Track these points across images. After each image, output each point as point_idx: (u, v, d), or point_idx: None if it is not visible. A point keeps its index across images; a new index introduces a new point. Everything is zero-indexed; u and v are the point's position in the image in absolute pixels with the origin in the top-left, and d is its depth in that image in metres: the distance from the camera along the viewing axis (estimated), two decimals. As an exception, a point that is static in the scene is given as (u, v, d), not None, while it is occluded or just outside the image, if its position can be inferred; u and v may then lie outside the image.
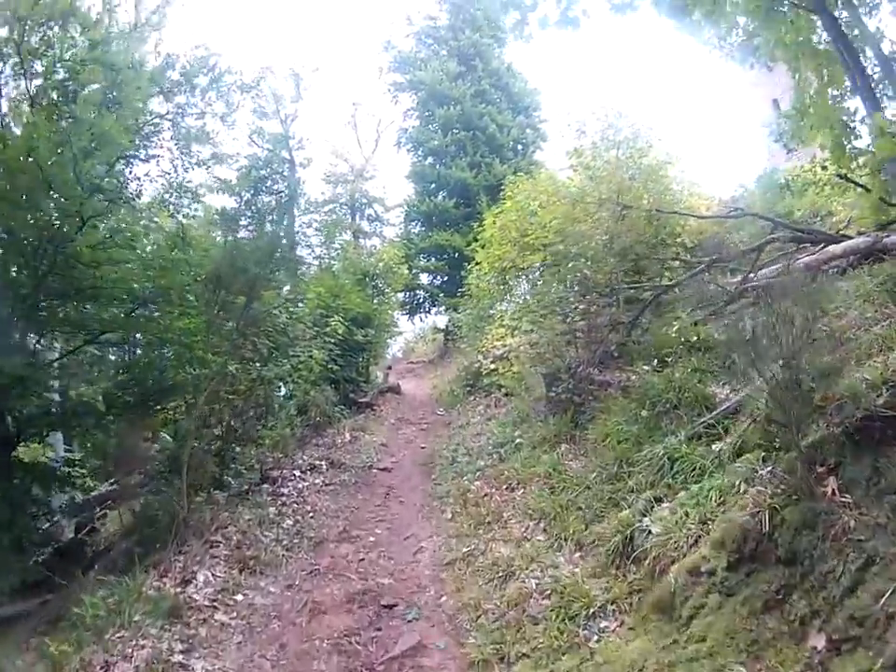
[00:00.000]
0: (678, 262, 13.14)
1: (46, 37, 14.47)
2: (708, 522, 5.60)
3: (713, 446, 6.97)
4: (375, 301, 20.04)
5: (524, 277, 18.02)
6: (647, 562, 5.77)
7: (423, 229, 29.25)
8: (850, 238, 10.32)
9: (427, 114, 30.20)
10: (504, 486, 9.48)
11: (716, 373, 8.81)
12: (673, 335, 9.90)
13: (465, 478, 10.52)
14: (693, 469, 6.72)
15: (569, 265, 11.64)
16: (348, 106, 33.72)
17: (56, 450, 11.83)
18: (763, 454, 5.90)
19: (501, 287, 18.75)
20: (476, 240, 20.02)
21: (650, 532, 6.04)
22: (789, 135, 12.12)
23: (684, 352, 9.59)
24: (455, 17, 31.41)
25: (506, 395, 14.49)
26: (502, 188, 20.14)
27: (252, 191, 19.92)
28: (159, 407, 10.80)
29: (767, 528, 4.77)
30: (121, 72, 13.85)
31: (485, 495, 9.44)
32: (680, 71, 76.38)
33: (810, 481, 4.78)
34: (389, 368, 23.72)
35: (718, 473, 6.35)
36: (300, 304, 14.72)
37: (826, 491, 4.69)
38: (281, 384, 12.13)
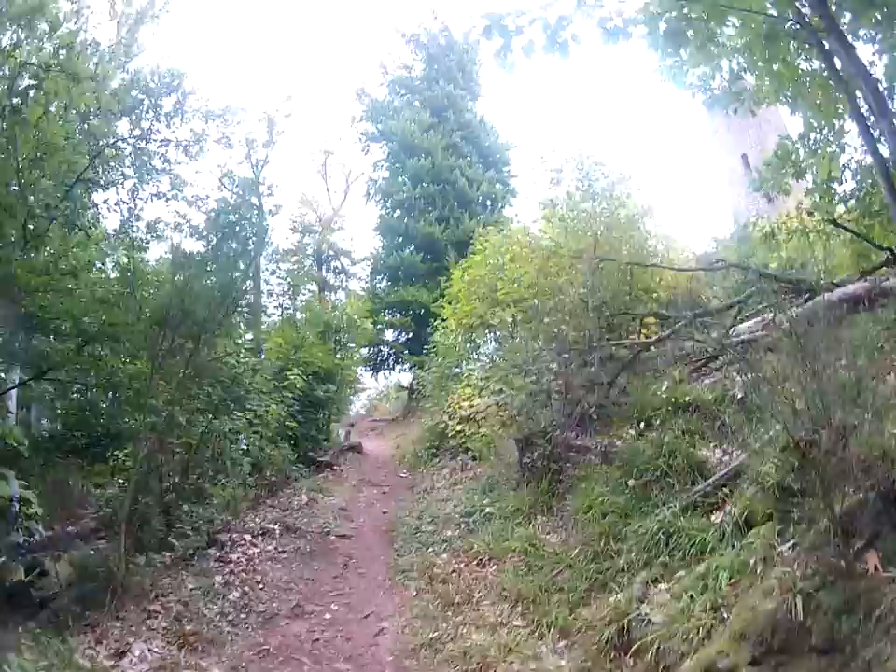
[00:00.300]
0: (653, 318, 12.84)
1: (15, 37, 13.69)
2: (720, 609, 4.91)
3: (712, 518, 6.45)
4: (338, 356, 19.30)
5: (492, 334, 17.62)
6: (649, 656, 4.99)
7: (389, 283, 28.82)
8: (844, 284, 10.15)
9: (396, 165, 29.89)
10: (474, 561, 8.63)
11: (706, 436, 8.23)
12: (660, 394, 9.35)
13: (430, 549, 9.68)
14: (693, 545, 6.10)
15: (545, 321, 11.12)
16: (319, 155, 32.78)
17: (10, 486, 10.90)
18: (780, 526, 5.31)
19: (468, 344, 18.41)
20: (443, 296, 19.74)
21: (649, 621, 5.33)
22: (770, 184, 11.64)
23: (669, 413, 8.98)
24: (430, 67, 31.35)
25: (473, 458, 13.75)
26: (471, 243, 19.82)
27: (220, 236, 19.50)
28: (110, 453, 10.13)
29: (800, 615, 4.07)
30: (83, 83, 13.12)
31: (453, 570, 8.55)
32: (654, 120, 77.25)
33: (847, 557, 4.20)
34: (351, 425, 22.80)
35: (723, 549, 5.76)
36: (260, 354, 14.05)
37: (867, 567, 4.10)
38: (237, 438, 11.27)
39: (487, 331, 17.63)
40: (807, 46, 8.73)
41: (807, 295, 10.67)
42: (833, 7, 7.20)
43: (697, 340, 11.62)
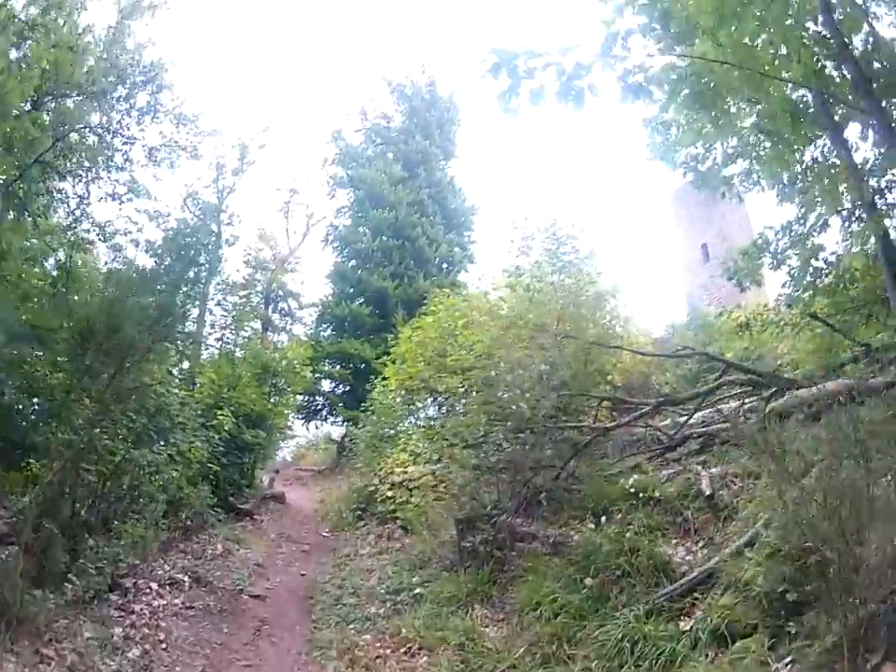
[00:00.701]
0: (608, 402, 12.37)
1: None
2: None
3: (681, 624, 5.87)
4: (272, 401, 18.42)
5: (434, 401, 17.12)
6: None
7: (333, 333, 28.03)
8: (818, 379, 9.86)
9: (360, 215, 29.45)
10: (402, 649, 7.73)
11: (668, 533, 7.75)
12: (624, 486, 8.80)
13: (352, 626, 8.77)
14: (661, 654, 5.52)
15: (504, 395, 10.26)
16: (285, 192, 32.13)
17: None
18: (772, 640, 4.87)
19: (408, 406, 17.83)
20: (387, 353, 19.21)
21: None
22: (743, 272, 11.88)
23: (629, 506, 8.43)
24: (409, 120, 31.22)
25: (403, 529, 12.98)
26: (423, 303, 19.56)
27: (173, 256, 18.96)
28: (25, 463, 9.19)
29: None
30: (60, 49, 12.39)
31: (378, 656, 7.63)
32: (627, 199, 78.60)
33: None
34: (276, 471, 22.02)
35: (696, 661, 5.29)
36: (193, 386, 13.22)
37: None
38: (156, 472, 10.29)
39: (430, 397, 17.06)
40: (818, 133, 8.83)
41: (774, 389, 10.54)
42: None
43: (657, 429, 11.24)
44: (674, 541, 7.48)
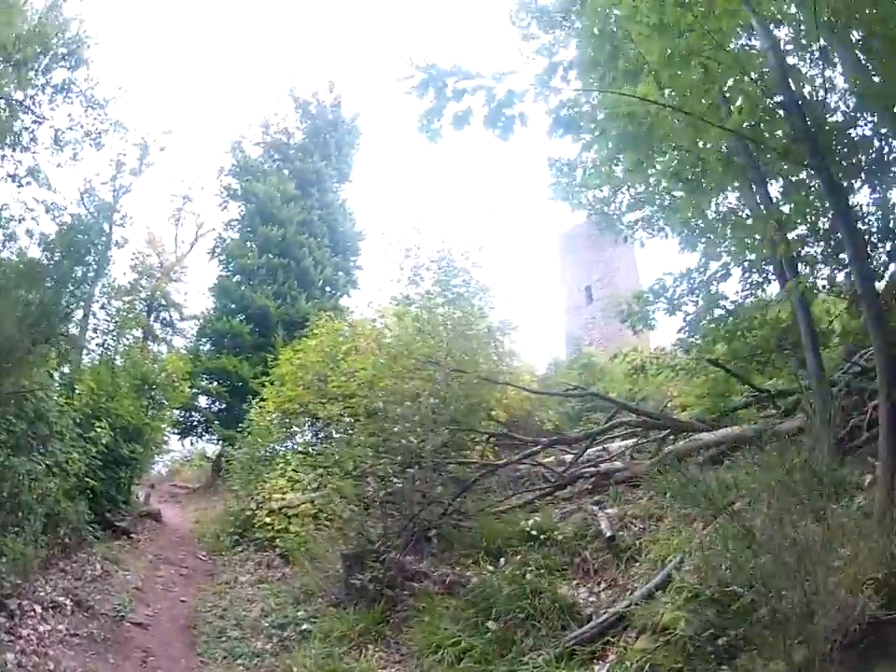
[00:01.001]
0: (492, 438, 12.37)
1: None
2: None
3: (596, 668, 5.84)
4: (150, 414, 17.18)
5: (313, 425, 16.99)
6: None
7: (213, 348, 27.02)
8: (715, 425, 10.48)
9: (248, 230, 28.71)
10: (296, 689, 7.35)
11: (566, 573, 7.72)
12: (519, 525, 8.82)
13: (239, 663, 8.31)
14: None
15: (395, 428, 10.08)
16: (178, 198, 30.89)
17: None
18: None
19: (286, 430, 17.39)
20: (266, 374, 18.96)
21: None
22: (637, 317, 12.13)
23: (523, 544, 8.43)
24: (310, 138, 30.67)
25: (282, 557, 12.48)
26: (304, 325, 19.49)
27: (63, 253, 18.20)
28: None
29: None
30: None
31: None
32: (519, 236, 79.20)
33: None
34: (152, 486, 20.74)
35: None
36: (71, 393, 12.57)
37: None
38: (35, 480, 9.60)
39: (309, 422, 16.88)
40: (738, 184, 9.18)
41: (667, 431, 11.07)
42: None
43: (547, 467, 11.29)
44: (574, 582, 7.45)
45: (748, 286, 11.52)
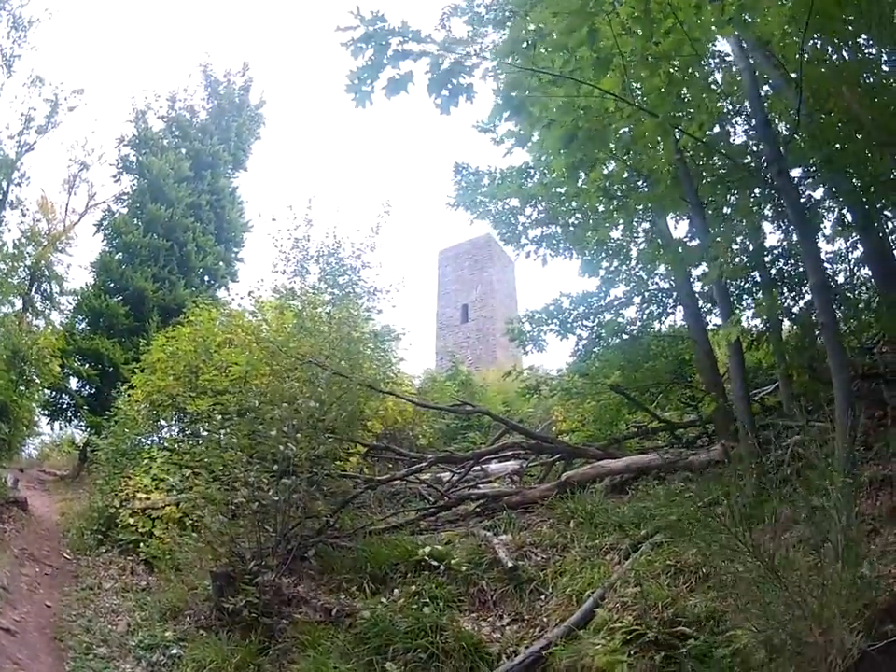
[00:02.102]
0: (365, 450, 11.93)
1: None
2: None
3: None
4: (19, 391, 16.17)
5: (181, 420, 15.86)
6: None
7: (88, 328, 25.18)
8: (604, 451, 10.52)
9: (137, 205, 26.97)
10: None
11: (462, 605, 7.17)
12: (406, 548, 8.33)
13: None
14: None
15: (271, 433, 9.04)
16: (75, 164, 29.08)
17: None
18: None
19: (153, 423, 16.22)
20: (138, 360, 17.57)
21: None
22: (527, 336, 12.39)
23: (410, 569, 7.93)
24: (213, 119, 29.36)
25: (146, 563, 11.50)
26: (180, 312, 18.66)
27: None
28: None
29: None
30: None
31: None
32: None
33: None
34: (21, 470, 19.49)
35: None
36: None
37: None
38: None
39: (176, 416, 15.81)
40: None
41: (558, 455, 11.02)
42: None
43: (432, 486, 10.83)
44: (473, 615, 6.92)
45: (645, 315, 11.96)
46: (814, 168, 8.54)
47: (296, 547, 8.62)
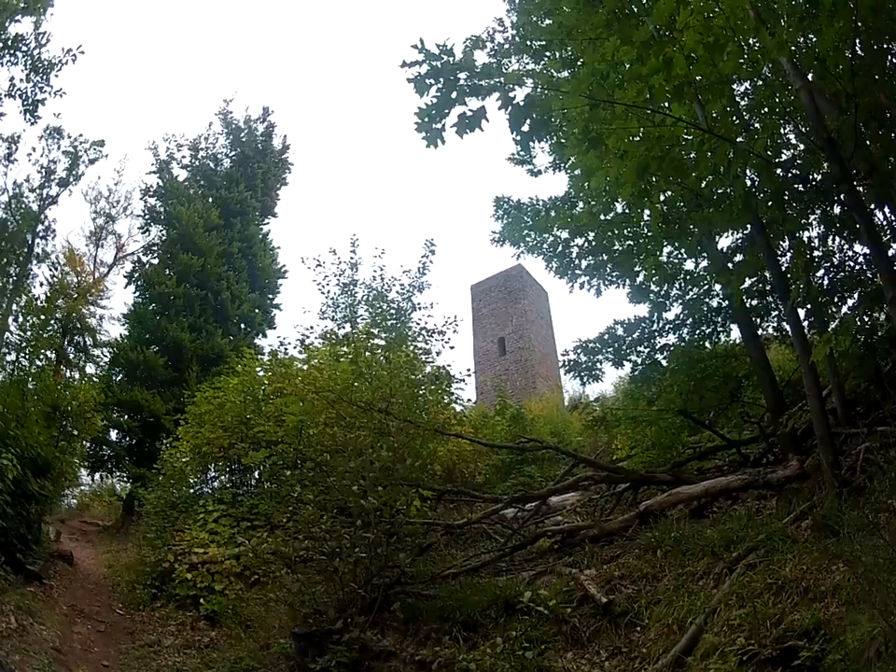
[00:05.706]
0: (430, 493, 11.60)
1: None
2: None
3: None
4: (60, 445, 15.53)
5: (232, 471, 16.00)
6: None
7: (125, 379, 24.95)
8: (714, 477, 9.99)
9: (168, 255, 26.88)
10: None
11: (557, 644, 6.91)
12: (491, 591, 8.02)
13: None
14: None
15: (345, 483, 8.78)
16: (101, 216, 29.36)
17: None
18: None
19: (203, 474, 16.43)
20: (179, 410, 17.65)
21: None
22: (582, 367, 12.28)
23: (498, 614, 7.62)
24: (238, 167, 29.52)
25: (207, 619, 11.33)
26: (218, 361, 19.59)
27: None
28: None
29: None
30: None
31: None
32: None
33: None
34: (62, 522, 19.24)
35: None
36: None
37: None
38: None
39: (228, 467, 15.88)
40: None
41: (628, 484, 10.83)
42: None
43: (507, 525, 10.72)
44: (569, 654, 6.71)
45: (697, 335, 11.91)
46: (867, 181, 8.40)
47: (379, 599, 8.29)
